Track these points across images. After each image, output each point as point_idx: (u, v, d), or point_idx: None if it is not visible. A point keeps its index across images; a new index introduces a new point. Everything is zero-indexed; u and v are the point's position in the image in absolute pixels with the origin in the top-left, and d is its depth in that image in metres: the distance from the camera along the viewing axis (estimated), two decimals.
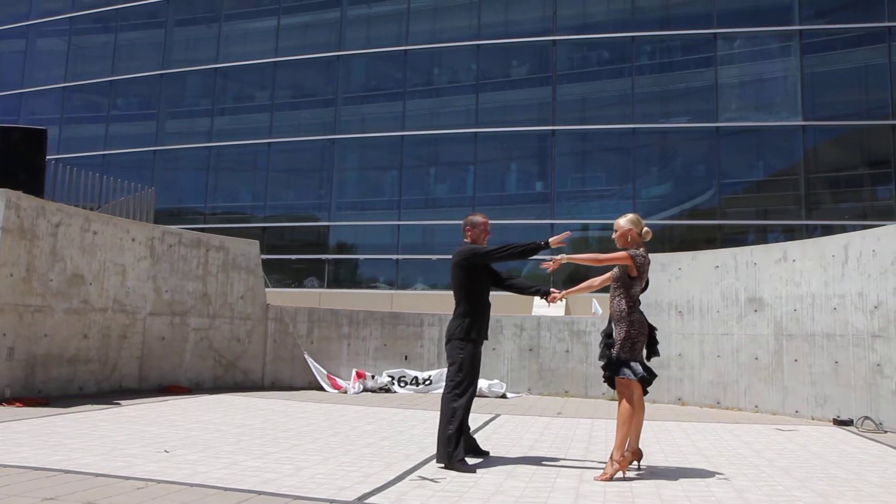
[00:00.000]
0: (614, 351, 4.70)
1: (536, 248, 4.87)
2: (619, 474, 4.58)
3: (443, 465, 4.75)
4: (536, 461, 5.11)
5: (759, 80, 21.66)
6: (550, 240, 4.86)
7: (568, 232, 5.09)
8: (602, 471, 4.63)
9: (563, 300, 4.95)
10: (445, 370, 11.45)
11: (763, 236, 20.84)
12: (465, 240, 5.17)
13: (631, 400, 4.64)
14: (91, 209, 10.63)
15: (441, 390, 10.16)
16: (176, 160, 26.96)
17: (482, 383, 9.48)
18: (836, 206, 21.09)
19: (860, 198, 20.96)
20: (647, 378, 4.72)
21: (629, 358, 4.66)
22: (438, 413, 5.00)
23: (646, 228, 4.90)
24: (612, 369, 4.71)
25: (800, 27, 21.02)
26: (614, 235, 4.92)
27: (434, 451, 5.29)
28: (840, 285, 7.97)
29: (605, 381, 4.90)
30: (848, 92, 21.00)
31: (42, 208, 7.90)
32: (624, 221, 4.92)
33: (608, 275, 4.99)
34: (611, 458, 4.63)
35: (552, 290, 5.02)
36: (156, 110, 27.22)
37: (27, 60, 29.23)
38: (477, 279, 5.01)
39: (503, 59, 24.16)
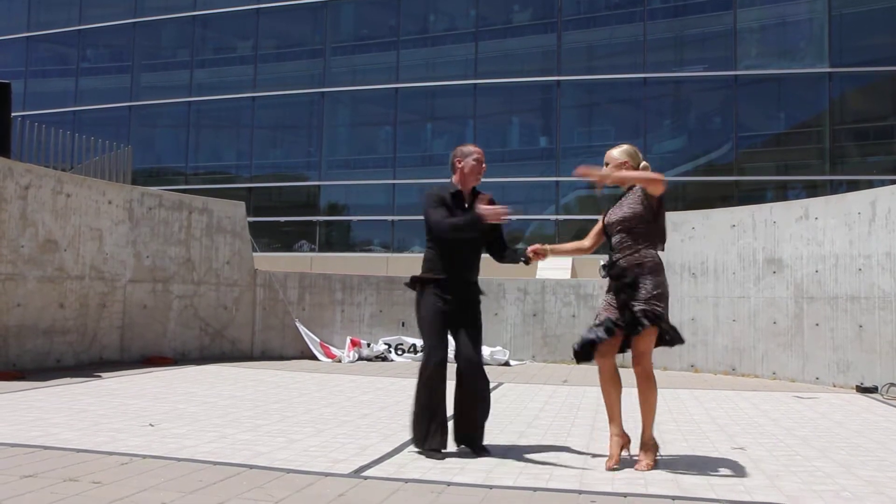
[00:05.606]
0: (640, 307, 4.00)
1: (474, 222, 4.28)
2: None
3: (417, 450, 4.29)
4: (541, 432, 5.16)
5: (782, 23, 21.35)
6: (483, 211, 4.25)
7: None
8: (638, 461, 4.12)
9: (550, 257, 4.39)
10: None
11: (783, 193, 20.78)
12: (454, 176, 4.56)
13: (650, 361, 4.09)
14: (63, 170, 10.56)
15: None
16: (153, 117, 26.71)
17: (484, 351, 9.47)
18: (864, 159, 20.97)
19: (890, 151, 20.81)
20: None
21: (664, 313, 4.05)
22: None
23: (644, 162, 4.19)
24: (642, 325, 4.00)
25: None
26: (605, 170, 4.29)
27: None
28: (866, 245, 7.96)
29: (576, 356, 4.23)
30: (880, 35, 20.67)
31: (9, 169, 7.83)
32: (618, 153, 4.20)
33: (597, 230, 4.35)
34: (648, 445, 4.15)
35: (529, 247, 4.39)
36: (129, 62, 26.86)
37: None
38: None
39: (504, 3, 23.77)
